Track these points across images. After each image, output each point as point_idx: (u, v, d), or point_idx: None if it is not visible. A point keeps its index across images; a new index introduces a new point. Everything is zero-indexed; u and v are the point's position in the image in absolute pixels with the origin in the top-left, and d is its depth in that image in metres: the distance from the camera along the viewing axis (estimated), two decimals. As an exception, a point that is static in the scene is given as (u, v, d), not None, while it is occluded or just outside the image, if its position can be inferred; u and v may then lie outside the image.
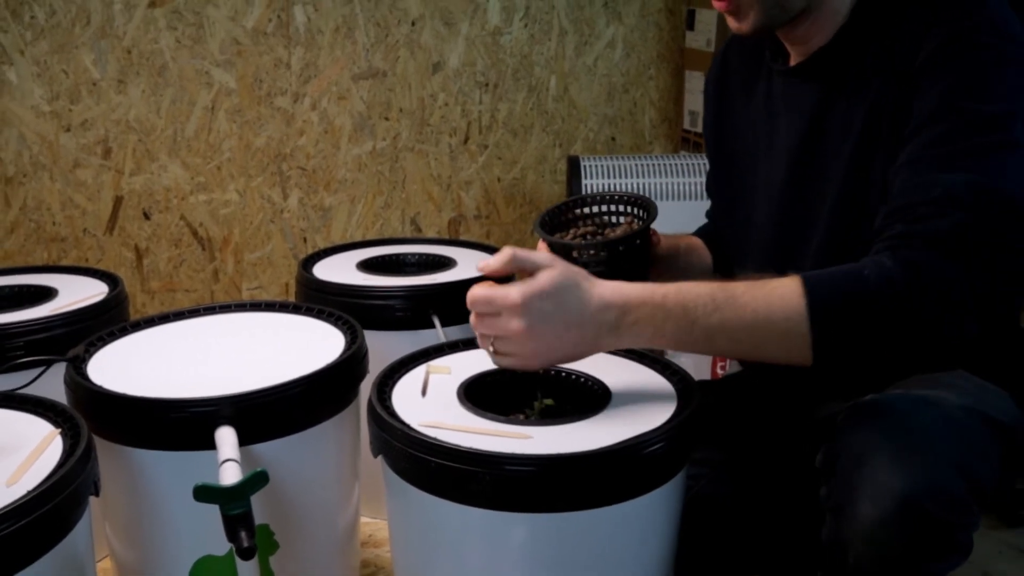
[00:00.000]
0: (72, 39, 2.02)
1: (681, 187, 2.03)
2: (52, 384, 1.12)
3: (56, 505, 0.85)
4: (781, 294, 0.89)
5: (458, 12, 2.25)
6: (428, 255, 1.74)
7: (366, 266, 1.67)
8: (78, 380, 1.10)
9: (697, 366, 1.91)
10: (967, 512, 0.82)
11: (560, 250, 1.12)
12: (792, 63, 1.09)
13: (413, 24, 2.22)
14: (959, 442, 0.83)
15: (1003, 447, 0.87)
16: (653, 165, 2.05)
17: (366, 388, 1.11)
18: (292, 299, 1.58)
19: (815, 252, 1.03)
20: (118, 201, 2.12)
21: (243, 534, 0.90)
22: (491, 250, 1.76)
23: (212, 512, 0.90)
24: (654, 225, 1.18)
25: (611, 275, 0.99)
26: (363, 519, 1.39)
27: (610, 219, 1.25)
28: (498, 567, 0.95)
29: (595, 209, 1.26)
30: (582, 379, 1.09)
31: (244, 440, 1.02)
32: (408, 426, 0.97)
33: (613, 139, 2.47)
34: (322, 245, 2.11)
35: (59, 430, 0.98)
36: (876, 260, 0.88)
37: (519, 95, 2.34)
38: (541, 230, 1.20)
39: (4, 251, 2.07)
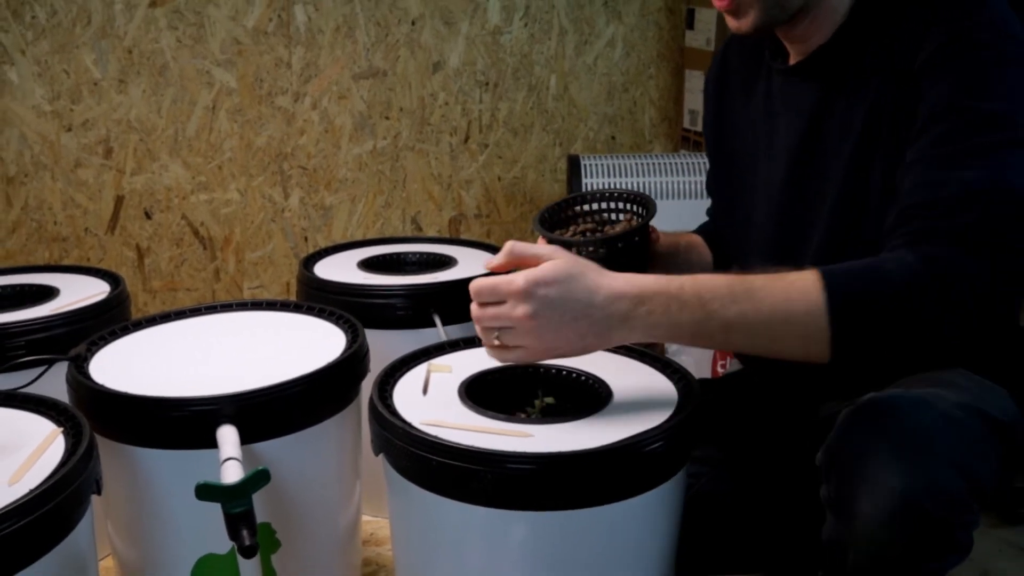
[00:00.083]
0: (73, 39, 2.02)
1: (681, 186, 2.03)
2: (54, 383, 1.13)
3: (58, 504, 0.85)
4: (801, 287, 0.88)
5: (458, 11, 2.25)
6: (429, 254, 1.74)
7: (367, 265, 1.67)
8: (80, 379, 1.10)
9: (698, 364, 1.91)
10: (967, 511, 0.82)
11: (559, 247, 1.13)
12: (791, 62, 1.09)
13: (413, 23, 2.22)
14: (959, 441, 0.83)
15: (1003, 445, 0.87)
16: (653, 164, 2.06)
17: (367, 387, 1.11)
18: (293, 298, 1.59)
19: (815, 251, 1.04)
20: (119, 201, 2.12)
21: (245, 532, 0.90)
22: (492, 249, 1.76)
23: (214, 510, 0.90)
24: (653, 223, 1.19)
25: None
26: (364, 517, 1.39)
27: (609, 216, 1.25)
28: (499, 565, 0.95)
29: (594, 206, 1.26)
30: (583, 378, 1.10)
31: (246, 439, 1.02)
32: (409, 424, 0.97)
33: (613, 138, 2.47)
34: (323, 244, 2.12)
35: (61, 429, 0.98)
36: (896, 256, 0.88)
37: (519, 94, 2.35)
38: (540, 227, 1.20)
39: (6, 250, 2.07)
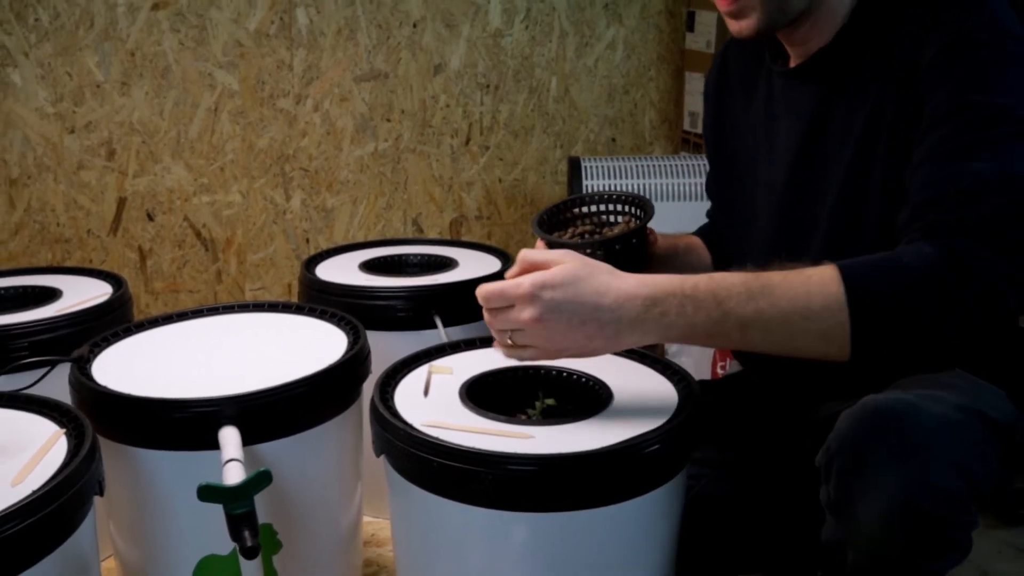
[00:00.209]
0: (76, 41, 2.02)
1: (681, 188, 2.04)
2: (56, 384, 1.13)
3: (60, 505, 0.86)
4: (819, 281, 0.87)
5: (459, 14, 2.25)
6: (430, 256, 1.74)
7: (368, 267, 1.67)
8: (82, 380, 1.10)
9: (697, 366, 1.91)
10: (966, 511, 0.82)
11: (571, 250, 1.13)
12: (792, 64, 1.09)
13: (415, 26, 2.23)
14: (957, 442, 0.83)
15: (1001, 446, 0.88)
16: (653, 166, 2.06)
17: (369, 388, 1.11)
18: (295, 300, 1.59)
19: (815, 254, 1.03)
20: (122, 202, 2.13)
21: (247, 533, 0.90)
22: (493, 251, 1.76)
23: (216, 511, 0.91)
24: (653, 224, 1.19)
25: None
26: (365, 518, 1.40)
27: (608, 218, 1.25)
28: (500, 566, 0.95)
29: (593, 208, 1.26)
30: (583, 379, 1.10)
31: (247, 440, 1.03)
32: (410, 426, 0.97)
33: (613, 140, 2.47)
34: (325, 246, 2.12)
35: (63, 430, 0.99)
36: (914, 248, 0.87)
37: (520, 96, 2.35)
38: (539, 229, 1.21)
39: (9, 252, 2.08)
